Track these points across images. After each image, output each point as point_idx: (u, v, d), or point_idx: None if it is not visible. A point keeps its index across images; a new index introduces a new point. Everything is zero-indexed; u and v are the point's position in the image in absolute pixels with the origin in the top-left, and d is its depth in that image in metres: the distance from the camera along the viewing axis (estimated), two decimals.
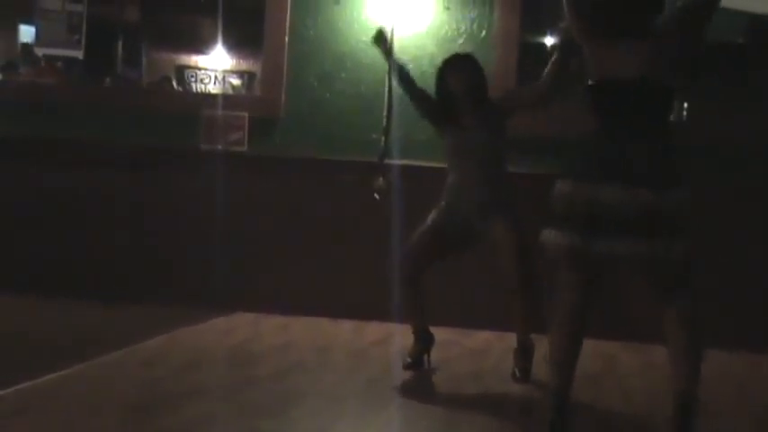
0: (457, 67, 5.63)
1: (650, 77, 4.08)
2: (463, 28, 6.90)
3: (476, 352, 6.13)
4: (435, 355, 5.69)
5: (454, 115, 5.58)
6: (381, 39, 5.87)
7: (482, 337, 6.48)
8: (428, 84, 5.84)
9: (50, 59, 8.16)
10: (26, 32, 8.93)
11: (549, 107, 5.69)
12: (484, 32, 6.87)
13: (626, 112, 4.12)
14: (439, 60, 5.91)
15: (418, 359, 5.56)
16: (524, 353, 5.50)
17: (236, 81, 10.11)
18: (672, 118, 6.41)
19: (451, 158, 5.63)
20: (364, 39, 6.96)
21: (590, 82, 4.23)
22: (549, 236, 4.20)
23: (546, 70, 5.33)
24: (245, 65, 10.06)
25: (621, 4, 4.16)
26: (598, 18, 4.21)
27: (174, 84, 9.83)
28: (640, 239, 3.97)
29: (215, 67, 10.15)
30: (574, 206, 4.08)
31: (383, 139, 6.87)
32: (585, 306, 4.25)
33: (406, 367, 5.49)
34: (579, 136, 4.30)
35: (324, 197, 6.95)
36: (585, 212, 4.04)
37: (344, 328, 6.62)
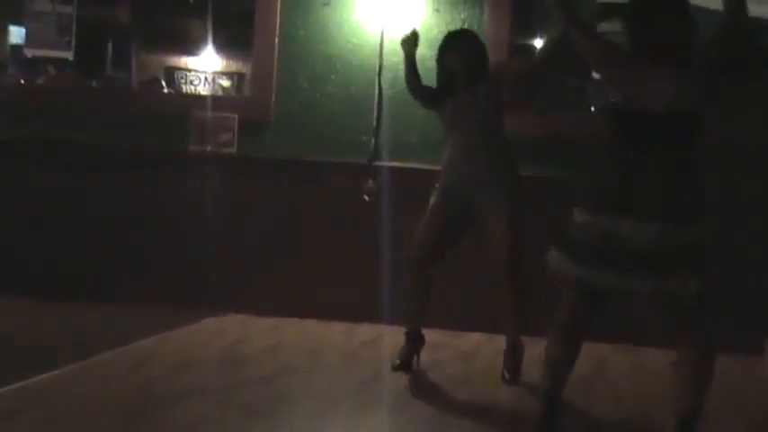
0: (456, 42, 5.63)
1: (681, 108, 3.96)
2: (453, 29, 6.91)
3: (466, 354, 6.13)
4: (425, 356, 5.70)
5: (453, 89, 5.57)
6: (412, 42, 5.74)
7: (472, 339, 6.48)
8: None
9: (60, 67, 8.15)
10: (16, 34, 8.92)
11: (536, 83, 5.71)
12: None
13: (654, 144, 3.98)
14: (429, 62, 5.91)
15: (407, 360, 5.56)
16: (514, 354, 5.51)
17: (225, 82, 10.10)
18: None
19: (448, 132, 5.61)
20: (354, 40, 6.98)
21: (614, 106, 4.11)
22: (557, 260, 4.13)
23: (540, 47, 5.41)
24: (234, 66, 10.06)
25: (659, 29, 4.01)
26: (635, 42, 4.08)
27: (164, 84, 9.83)
28: (653, 275, 3.91)
29: (204, 68, 10.15)
30: (589, 236, 4.00)
31: (373, 140, 6.88)
32: (589, 320, 4.24)
33: (396, 368, 5.50)
34: (597, 162, 4.19)
35: (313, 199, 6.95)
36: (600, 244, 3.96)
37: (335, 330, 6.61)
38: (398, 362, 5.54)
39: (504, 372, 5.47)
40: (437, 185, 5.58)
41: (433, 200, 5.56)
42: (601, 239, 3.96)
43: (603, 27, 6.82)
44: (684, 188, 3.99)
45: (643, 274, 3.92)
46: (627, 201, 3.95)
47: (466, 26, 6.86)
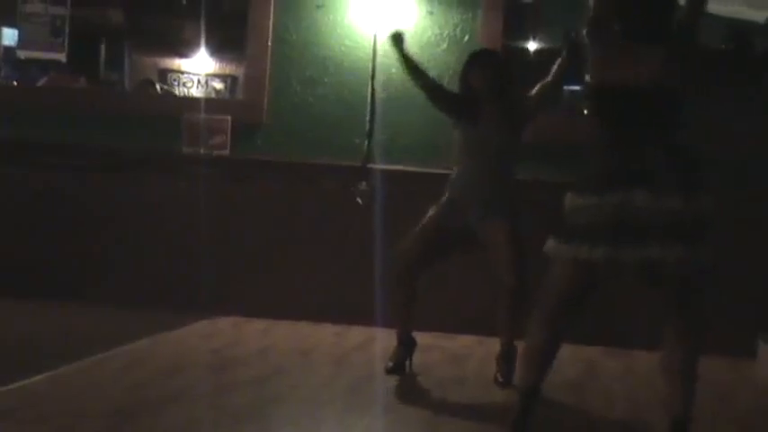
0: (478, 63, 5.61)
1: (665, 84, 4.00)
2: (446, 32, 6.92)
3: (457, 356, 6.14)
4: (417, 359, 5.69)
5: (474, 110, 5.54)
6: (399, 39, 5.76)
7: (464, 342, 6.48)
8: (411, 86, 5.87)
9: (60, 70, 8.14)
10: (8, 35, 8.91)
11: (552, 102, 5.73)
12: (467, 37, 6.88)
13: (641, 119, 4.01)
14: (422, 65, 5.90)
15: (400, 363, 5.56)
16: (507, 357, 5.49)
17: (218, 85, 10.09)
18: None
19: (461, 152, 5.60)
20: (347, 43, 6.98)
21: (598, 86, 4.13)
22: (554, 247, 4.10)
23: (553, 70, 5.41)
24: (227, 69, 10.05)
25: (641, 6, 4.09)
26: (621, 20, 4.13)
27: (158, 86, 9.82)
28: (645, 246, 3.88)
29: (198, 70, 10.14)
30: (599, 217, 3.96)
31: (366, 143, 6.88)
32: (571, 312, 4.19)
33: (388, 371, 5.49)
34: (589, 147, 4.22)
35: (306, 201, 6.96)
36: (612, 222, 3.93)
37: (327, 333, 6.61)
38: (391, 364, 5.53)
39: (498, 375, 5.46)
40: (443, 199, 5.57)
41: (432, 210, 5.57)
42: (611, 216, 3.93)
43: None
44: (677, 159, 3.99)
45: (659, 245, 3.87)
46: (627, 176, 3.94)
47: (459, 29, 6.86)
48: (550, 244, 4.13)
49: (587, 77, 4.18)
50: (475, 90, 5.56)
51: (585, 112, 4.50)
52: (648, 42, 4.04)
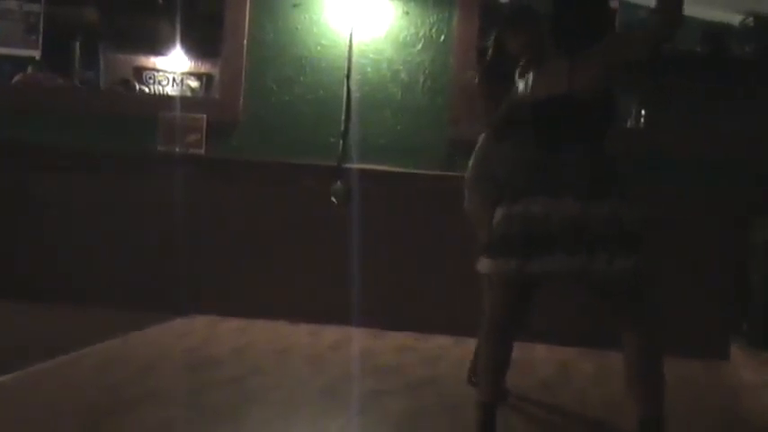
0: (517, 24, 4.91)
1: (575, 92, 4.01)
2: (422, 32, 6.92)
3: (431, 357, 6.14)
4: (391, 359, 5.69)
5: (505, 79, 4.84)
6: None
7: (438, 342, 6.49)
8: (386, 86, 5.86)
9: (35, 68, 8.08)
10: None
11: None
12: (443, 37, 6.89)
13: (551, 127, 4.06)
14: (397, 65, 5.93)
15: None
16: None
17: (194, 83, 10.04)
18: (628, 125, 6.47)
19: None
20: (323, 42, 6.98)
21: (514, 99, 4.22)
22: (484, 264, 4.12)
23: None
24: (203, 67, 9.99)
25: (571, 26, 4.12)
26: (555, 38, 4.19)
27: (136, 86, 9.78)
28: (573, 255, 3.87)
29: (173, 69, 10.08)
30: (508, 229, 4.00)
31: (341, 142, 6.88)
32: (517, 320, 4.19)
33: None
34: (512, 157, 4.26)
35: (281, 200, 6.95)
36: (520, 232, 3.95)
37: (303, 332, 6.61)
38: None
39: (472, 375, 5.44)
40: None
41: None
42: (519, 227, 3.95)
43: None
44: (595, 165, 3.99)
45: (561, 255, 3.87)
46: (537, 182, 3.98)
47: (435, 29, 6.86)
48: (483, 262, 4.14)
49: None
50: (508, 49, 4.90)
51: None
52: (567, 52, 4.08)
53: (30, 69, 7.98)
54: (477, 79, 5.25)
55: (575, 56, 4.06)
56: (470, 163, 5.24)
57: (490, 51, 5.09)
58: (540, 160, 4.04)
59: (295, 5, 7.02)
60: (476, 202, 5.12)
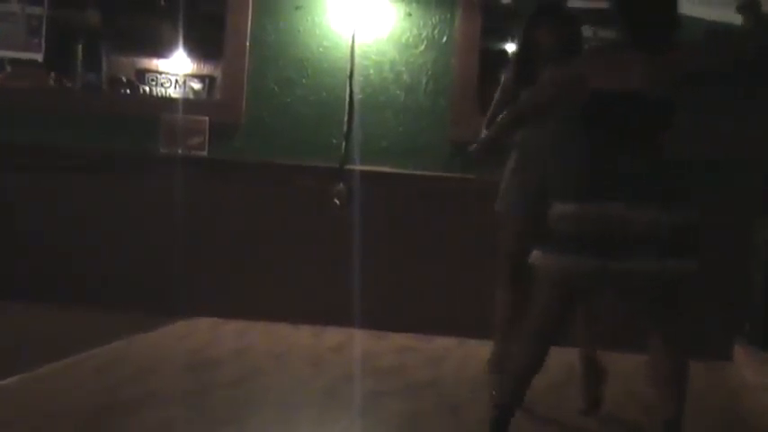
0: (548, 17, 4.95)
1: (650, 92, 3.95)
2: (424, 34, 6.91)
3: (433, 358, 6.13)
4: (392, 361, 5.68)
5: (533, 73, 4.86)
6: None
7: (439, 344, 6.48)
8: (388, 87, 5.84)
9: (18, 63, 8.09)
10: None
11: None
12: (445, 38, 6.88)
13: (624, 127, 3.98)
14: (400, 66, 5.92)
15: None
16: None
17: (196, 85, 10.06)
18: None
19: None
20: (325, 44, 6.97)
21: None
22: (542, 257, 4.06)
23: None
24: (205, 69, 10.02)
25: (648, 20, 4.03)
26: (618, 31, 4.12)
27: (139, 88, 9.80)
28: (647, 257, 3.86)
29: (175, 71, 10.11)
30: (582, 227, 3.92)
31: (344, 144, 6.87)
32: (562, 324, 4.18)
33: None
34: (566, 154, 4.20)
35: (284, 202, 6.94)
36: (596, 232, 3.88)
37: (304, 334, 6.60)
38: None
39: (491, 368, 5.21)
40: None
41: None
42: (594, 225, 3.89)
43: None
44: (667, 170, 3.99)
45: (644, 255, 3.85)
46: (612, 184, 3.92)
47: (437, 30, 6.86)
48: (536, 254, 4.09)
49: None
50: (540, 49, 4.90)
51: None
52: (640, 51, 3.98)
53: (7, 67, 7.97)
54: (505, 80, 5.17)
55: (652, 52, 3.97)
56: (509, 164, 5.16)
57: (519, 51, 5.04)
58: (613, 159, 3.96)
59: (297, 7, 7.01)
60: (508, 202, 5.09)
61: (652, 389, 4.15)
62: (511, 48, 8.39)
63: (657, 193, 3.91)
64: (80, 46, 9.15)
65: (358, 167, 6.82)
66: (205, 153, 7.05)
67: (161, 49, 9.89)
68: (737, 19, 6.59)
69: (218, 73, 9.23)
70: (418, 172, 6.79)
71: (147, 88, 9.97)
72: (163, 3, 9.42)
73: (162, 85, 9.95)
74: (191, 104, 7.95)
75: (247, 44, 7.07)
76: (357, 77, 6.88)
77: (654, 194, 3.91)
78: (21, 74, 8.00)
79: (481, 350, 5.54)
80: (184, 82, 9.93)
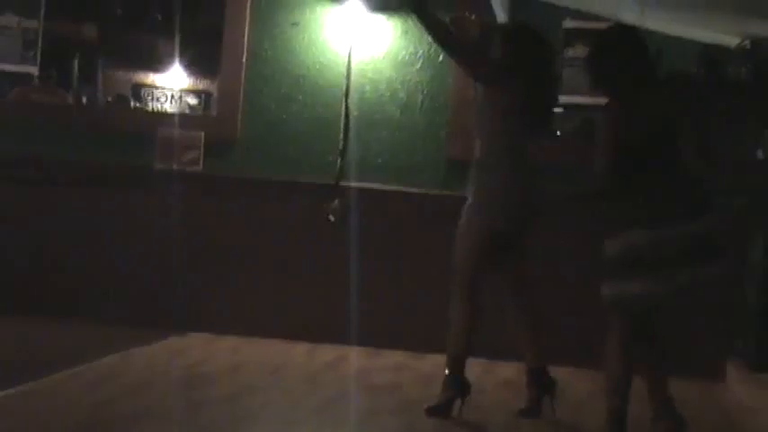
0: (504, 35, 5.27)
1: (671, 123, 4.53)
2: (420, 52, 6.93)
3: (428, 376, 6.11)
4: (387, 378, 5.68)
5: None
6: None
7: (434, 361, 6.46)
8: (385, 105, 5.85)
9: (46, 78, 8.08)
10: None
11: None
12: (441, 56, 6.88)
13: (658, 163, 4.47)
14: (396, 84, 5.93)
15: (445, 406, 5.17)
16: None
17: (192, 101, 10.08)
18: None
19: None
20: (322, 61, 6.99)
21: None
22: (617, 288, 4.48)
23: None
24: (201, 84, 10.03)
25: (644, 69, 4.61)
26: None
27: (132, 103, 9.81)
28: (696, 269, 4.39)
29: (172, 86, 10.12)
30: (658, 251, 4.38)
31: (339, 161, 6.88)
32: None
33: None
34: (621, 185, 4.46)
35: (279, 218, 6.94)
36: (662, 256, 4.36)
37: (298, 350, 6.59)
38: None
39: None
40: None
41: None
42: (655, 251, 4.37)
43: (569, 53, 6.90)
44: (688, 187, 4.51)
45: (689, 270, 4.39)
46: (668, 211, 4.40)
47: (433, 49, 6.84)
48: (613, 288, 4.51)
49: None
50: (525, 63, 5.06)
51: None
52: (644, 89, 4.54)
53: (35, 82, 7.99)
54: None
55: (658, 93, 4.54)
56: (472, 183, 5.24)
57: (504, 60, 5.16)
58: (658, 188, 4.45)
59: (294, 24, 7.03)
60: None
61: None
62: None
63: (695, 210, 4.43)
64: (76, 60, 9.15)
65: (354, 184, 6.82)
66: (200, 169, 7.05)
67: (157, 64, 9.91)
68: (728, 41, 6.62)
69: (214, 88, 9.24)
70: (414, 189, 6.80)
71: (143, 104, 9.99)
72: (159, 18, 9.43)
73: (158, 99, 9.97)
74: (186, 120, 7.96)
75: (244, 60, 7.08)
76: (353, 95, 6.89)
77: (695, 208, 4.44)
78: (46, 89, 8.03)
79: (475, 368, 5.54)
80: (180, 97, 9.94)
